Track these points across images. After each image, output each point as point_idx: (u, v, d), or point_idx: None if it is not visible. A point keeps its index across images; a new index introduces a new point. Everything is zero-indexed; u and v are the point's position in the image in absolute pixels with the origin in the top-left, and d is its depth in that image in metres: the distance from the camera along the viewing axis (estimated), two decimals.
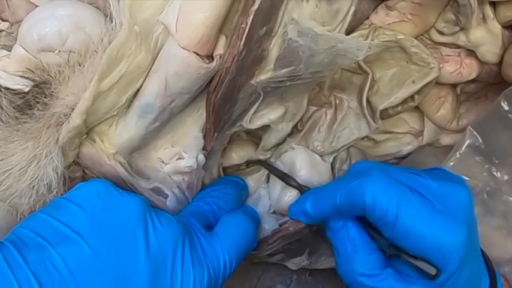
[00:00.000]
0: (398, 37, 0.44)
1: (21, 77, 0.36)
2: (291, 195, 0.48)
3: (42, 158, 0.36)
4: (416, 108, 0.51)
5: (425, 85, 0.46)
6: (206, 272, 0.36)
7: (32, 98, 0.36)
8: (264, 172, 0.51)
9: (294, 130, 0.49)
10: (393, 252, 0.39)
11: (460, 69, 0.47)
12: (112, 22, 0.36)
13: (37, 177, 0.37)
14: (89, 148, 0.39)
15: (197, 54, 0.37)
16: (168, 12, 0.36)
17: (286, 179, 0.47)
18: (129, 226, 0.34)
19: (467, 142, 0.46)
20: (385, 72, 0.47)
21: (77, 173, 0.41)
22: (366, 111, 0.48)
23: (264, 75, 0.41)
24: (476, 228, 0.40)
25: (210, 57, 0.38)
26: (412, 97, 0.47)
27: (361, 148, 0.53)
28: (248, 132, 0.49)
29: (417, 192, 0.38)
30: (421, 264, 0.38)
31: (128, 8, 0.35)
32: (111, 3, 0.35)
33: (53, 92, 0.36)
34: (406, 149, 0.54)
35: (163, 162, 0.43)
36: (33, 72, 0.36)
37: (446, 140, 0.53)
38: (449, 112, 0.51)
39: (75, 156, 0.39)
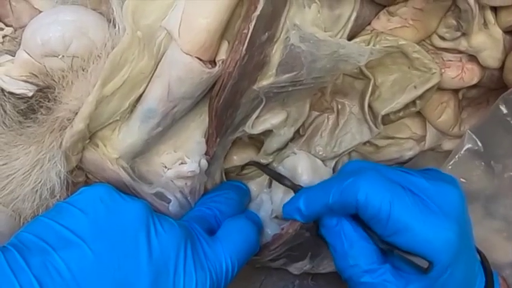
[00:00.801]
0: (400, 43, 0.44)
1: (25, 81, 0.36)
2: None
3: (45, 163, 0.36)
4: (418, 113, 0.51)
5: (427, 90, 0.46)
6: (208, 277, 0.36)
7: (36, 103, 0.36)
8: (266, 177, 0.51)
9: (296, 135, 0.49)
10: (386, 247, 0.39)
11: (461, 74, 0.47)
12: (115, 27, 0.36)
13: (40, 182, 0.37)
14: (91, 153, 0.39)
15: (200, 59, 0.37)
16: (171, 17, 0.36)
17: (280, 178, 0.47)
18: (132, 231, 0.34)
19: (466, 146, 0.46)
20: (386, 78, 0.47)
21: (80, 177, 0.41)
22: (367, 117, 0.48)
23: (266, 80, 0.41)
24: (469, 227, 0.40)
25: (213, 63, 0.38)
26: (413, 102, 0.47)
27: (363, 153, 0.53)
28: (250, 136, 0.49)
29: (409, 191, 0.38)
30: (414, 258, 0.38)
31: (131, 14, 0.35)
32: (114, 8, 0.36)
33: (56, 96, 0.36)
34: (408, 154, 0.54)
35: (165, 167, 0.43)
36: (36, 77, 0.36)
37: (448, 145, 0.53)
38: (451, 117, 0.51)
39: (78, 160, 0.39)
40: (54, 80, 0.36)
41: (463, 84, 0.48)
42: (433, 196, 0.38)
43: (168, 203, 0.43)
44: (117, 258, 0.33)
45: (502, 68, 0.47)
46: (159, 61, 0.38)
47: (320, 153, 0.50)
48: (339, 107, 0.50)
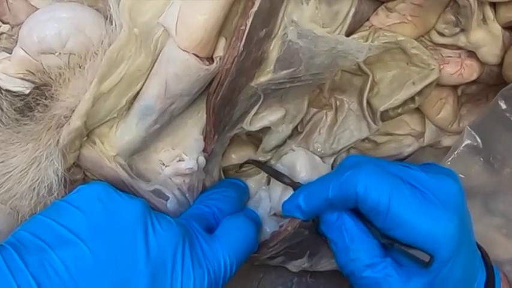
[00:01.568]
0: (398, 39, 0.44)
1: (22, 79, 0.36)
2: None
3: (42, 160, 0.36)
4: (417, 109, 0.51)
5: (426, 86, 0.46)
6: (206, 274, 0.36)
7: (33, 100, 0.36)
8: (264, 174, 0.51)
9: (294, 132, 0.49)
10: (387, 241, 0.39)
11: (460, 70, 0.47)
12: (112, 24, 0.36)
13: (38, 180, 0.37)
14: (89, 150, 0.39)
15: (197, 56, 0.37)
16: (168, 14, 0.36)
17: (279, 176, 0.47)
18: (129, 229, 0.34)
19: (465, 142, 0.46)
20: (385, 74, 0.47)
21: (78, 175, 0.41)
22: (366, 113, 0.48)
23: (264, 77, 0.41)
24: (469, 220, 0.40)
25: (210, 59, 0.38)
26: (412, 99, 0.47)
27: (362, 150, 0.53)
28: (248, 133, 0.49)
29: (409, 183, 0.38)
30: (414, 252, 0.38)
31: (128, 11, 0.35)
32: (111, 5, 0.35)
33: (53, 94, 0.36)
34: (407, 151, 0.54)
35: (163, 164, 0.43)
36: (33, 74, 0.36)
37: (447, 141, 0.53)
38: (450, 114, 0.51)
39: (75, 158, 0.39)
40: (51, 78, 0.36)
41: (462, 80, 0.48)
42: (432, 189, 0.38)
43: (166, 200, 0.43)
44: (115, 257, 0.33)
45: (501, 64, 0.47)
46: (156, 58, 0.38)
47: (318, 150, 0.50)
48: (338, 103, 0.50)
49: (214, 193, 0.46)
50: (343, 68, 0.46)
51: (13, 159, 0.36)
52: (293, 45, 0.40)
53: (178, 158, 0.42)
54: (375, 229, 0.40)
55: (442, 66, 0.47)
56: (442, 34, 0.46)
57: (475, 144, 0.46)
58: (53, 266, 0.31)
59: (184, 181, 0.43)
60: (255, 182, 0.51)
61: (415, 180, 0.39)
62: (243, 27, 0.37)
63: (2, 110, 0.36)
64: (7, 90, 0.36)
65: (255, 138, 0.50)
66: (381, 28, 0.44)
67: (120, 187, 0.39)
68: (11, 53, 0.37)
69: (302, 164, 0.48)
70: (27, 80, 0.36)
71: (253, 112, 0.44)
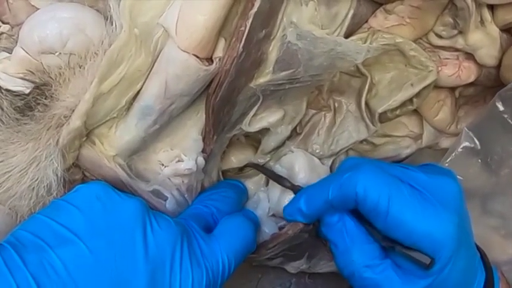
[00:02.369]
0: (396, 40, 0.44)
1: (22, 78, 0.36)
2: (290, 198, 0.47)
3: (42, 160, 0.36)
4: (415, 111, 0.51)
5: (424, 88, 0.46)
6: (205, 274, 0.36)
7: (33, 100, 0.36)
8: (263, 175, 0.51)
9: (293, 133, 0.49)
10: (387, 244, 0.39)
11: (458, 72, 0.47)
12: (112, 25, 0.36)
13: (37, 179, 0.37)
14: (88, 150, 0.39)
15: (197, 56, 0.37)
16: (168, 14, 0.36)
17: (279, 180, 0.48)
18: (128, 228, 0.34)
19: (463, 143, 0.47)
20: (383, 76, 0.47)
21: (77, 175, 0.41)
22: (364, 115, 0.48)
23: (263, 78, 0.41)
24: (468, 220, 0.40)
25: (210, 60, 0.38)
26: (410, 100, 0.47)
27: (360, 151, 0.53)
28: (247, 136, 0.49)
29: (408, 184, 0.39)
30: (415, 254, 0.39)
31: (128, 11, 0.35)
32: (111, 5, 0.36)
33: (53, 93, 0.36)
34: (405, 153, 0.54)
35: (162, 164, 0.43)
36: (33, 74, 0.36)
37: (445, 143, 0.53)
38: (448, 115, 0.51)
39: (75, 158, 0.39)
40: (51, 77, 0.36)
41: (459, 82, 0.48)
42: (431, 189, 0.39)
43: (165, 200, 0.43)
44: (114, 256, 0.33)
45: (498, 66, 0.47)
46: (156, 58, 0.38)
47: (317, 151, 0.50)
48: (336, 105, 0.50)
49: (213, 194, 0.46)
50: (342, 70, 0.46)
51: (13, 158, 0.36)
52: (292, 47, 0.40)
53: (177, 158, 0.42)
54: (376, 232, 0.40)
55: (440, 68, 0.47)
56: (440, 36, 0.46)
57: (473, 145, 0.46)
58: (52, 265, 0.31)
59: (183, 181, 0.43)
60: (253, 183, 0.51)
61: (414, 181, 0.39)
62: (242, 28, 0.37)
63: (2, 109, 0.36)
64: (7, 90, 0.36)
65: (254, 141, 0.50)
66: (379, 30, 0.45)
67: (119, 187, 0.39)
68: (11, 53, 0.37)
69: (301, 165, 0.48)
70: (28, 80, 0.36)
71: (252, 113, 0.44)
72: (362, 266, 0.40)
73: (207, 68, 0.37)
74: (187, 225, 0.39)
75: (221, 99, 0.39)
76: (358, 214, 0.40)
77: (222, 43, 0.38)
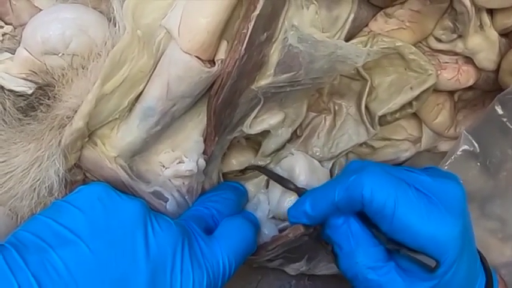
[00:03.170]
0: (396, 44, 0.44)
1: (25, 79, 0.36)
2: (290, 200, 0.48)
3: (44, 160, 0.36)
4: (415, 115, 0.51)
5: (423, 92, 0.46)
6: (205, 275, 0.36)
7: (35, 100, 0.36)
8: (263, 177, 0.51)
9: (294, 136, 0.50)
10: (392, 247, 0.40)
11: (457, 76, 0.47)
12: (115, 26, 0.36)
13: (39, 180, 0.37)
14: (90, 151, 0.39)
15: (199, 58, 0.37)
16: (171, 16, 0.37)
17: (284, 182, 0.47)
18: (129, 229, 0.34)
19: (462, 146, 0.47)
20: (383, 79, 0.47)
21: (78, 176, 0.41)
22: (364, 118, 0.48)
23: (265, 80, 0.41)
24: (470, 224, 0.40)
25: (212, 62, 0.38)
26: (410, 104, 0.48)
27: (360, 154, 0.53)
28: (248, 138, 0.49)
29: (414, 187, 0.39)
30: (420, 257, 0.39)
31: (131, 13, 0.36)
32: (114, 7, 0.36)
33: (56, 94, 0.36)
34: (404, 156, 0.54)
35: (164, 166, 0.43)
36: (36, 74, 0.36)
37: (444, 146, 0.54)
38: (447, 119, 0.51)
39: (76, 159, 0.39)
40: (54, 78, 0.36)
41: (459, 85, 0.48)
42: (436, 192, 0.39)
43: (166, 202, 0.43)
44: (115, 257, 0.33)
45: (497, 70, 0.47)
46: (159, 60, 0.38)
47: (317, 154, 0.50)
48: (336, 108, 0.50)
49: (214, 195, 0.46)
50: (342, 73, 0.46)
51: (15, 158, 0.36)
52: (293, 49, 0.40)
53: (179, 160, 0.43)
54: (381, 234, 0.40)
55: (439, 72, 0.47)
56: (439, 40, 0.46)
57: (472, 149, 0.47)
58: (53, 265, 0.31)
59: (183, 183, 0.43)
60: (253, 185, 0.51)
61: (419, 184, 0.39)
62: (244, 31, 0.37)
63: (5, 109, 0.36)
64: (10, 90, 0.36)
65: (255, 143, 0.50)
66: (379, 34, 0.45)
67: (120, 188, 0.39)
68: (13, 54, 0.37)
69: (301, 168, 0.48)
70: (30, 80, 0.36)
71: (253, 115, 0.44)
72: (366, 267, 0.40)
73: (209, 70, 0.37)
74: (187, 226, 0.39)
75: (223, 101, 0.39)
76: (363, 217, 0.40)
77: (224, 45, 0.39)
